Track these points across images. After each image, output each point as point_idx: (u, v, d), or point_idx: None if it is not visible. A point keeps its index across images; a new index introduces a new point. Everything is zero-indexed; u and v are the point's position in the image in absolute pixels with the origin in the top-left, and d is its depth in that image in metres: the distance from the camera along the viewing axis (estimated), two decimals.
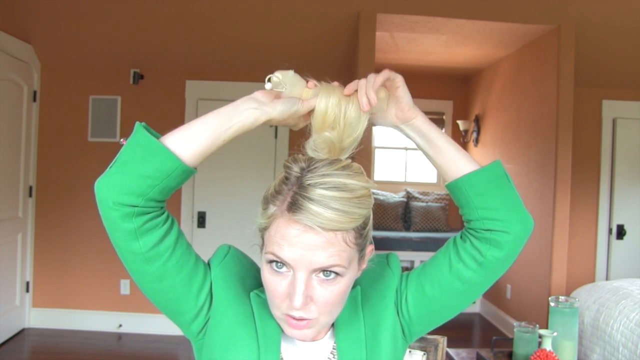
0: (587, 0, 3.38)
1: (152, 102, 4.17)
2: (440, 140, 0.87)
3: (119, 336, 4.00)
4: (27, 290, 4.07)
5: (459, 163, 0.86)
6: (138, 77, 4.10)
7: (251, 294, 0.90)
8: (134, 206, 0.75)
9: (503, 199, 0.84)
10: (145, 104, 4.17)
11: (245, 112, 0.80)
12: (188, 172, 0.78)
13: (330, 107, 0.82)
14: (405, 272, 0.95)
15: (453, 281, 0.86)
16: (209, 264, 0.91)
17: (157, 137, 0.78)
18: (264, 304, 0.87)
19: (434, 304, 0.89)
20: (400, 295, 0.91)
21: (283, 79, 0.82)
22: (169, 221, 0.81)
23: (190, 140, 0.78)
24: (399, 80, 0.85)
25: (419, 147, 0.89)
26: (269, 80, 0.82)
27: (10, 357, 3.56)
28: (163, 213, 0.80)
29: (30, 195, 4.07)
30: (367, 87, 0.82)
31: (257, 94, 0.82)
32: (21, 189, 3.94)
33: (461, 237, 0.88)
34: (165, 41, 3.89)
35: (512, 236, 0.83)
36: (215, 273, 0.89)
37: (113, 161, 0.78)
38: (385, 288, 0.92)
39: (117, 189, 0.75)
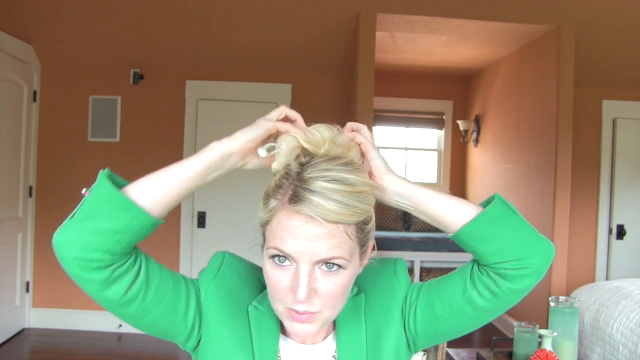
0: (587, 0, 3.38)
1: (152, 102, 4.17)
2: (425, 196, 0.83)
3: (119, 336, 4.00)
4: (27, 290, 4.07)
5: (453, 214, 0.82)
6: (138, 77, 4.10)
7: (249, 307, 0.88)
8: (101, 261, 0.73)
9: (511, 237, 0.79)
10: (145, 104, 4.17)
11: (208, 150, 0.79)
12: (156, 225, 0.77)
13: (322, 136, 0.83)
14: (418, 283, 0.92)
15: (464, 306, 0.84)
16: (198, 279, 0.89)
17: (121, 185, 0.75)
18: (263, 316, 0.86)
19: (442, 324, 0.87)
20: (409, 308, 0.89)
21: (279, 143, 0.82)
22: (138, 259, 0.79)
23: (157, 189, 0.75)
24: (366, 144, 0.86)
25: (408, 211, 0.86)
26: (266, 148, 0.81)
27: (10, 357, 3.56)
28: (131, 256, 0.77)
29: (30, 195, 4.07)
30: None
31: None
32: (21, 189, 3.94)
33: (478, 268, 0.84)
34: (165, 41, 3.89)
35: (531, 270, 0.79)
36: (208, 291, 0.86)
37: (73, 212, 0.74)
38: (390, 299, 0.90)
39: (80, 245, 0.72)
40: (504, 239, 0.79)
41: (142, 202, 0.74)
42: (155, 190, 0.75)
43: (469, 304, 0.83)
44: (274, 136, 0.83)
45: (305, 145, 0.81)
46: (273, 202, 0.79)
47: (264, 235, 0.82)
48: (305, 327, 0.79)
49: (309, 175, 0.76)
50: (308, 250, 0.75)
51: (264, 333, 0.85)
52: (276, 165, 0.81)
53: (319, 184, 0.75)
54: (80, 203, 0.74)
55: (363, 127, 0.87)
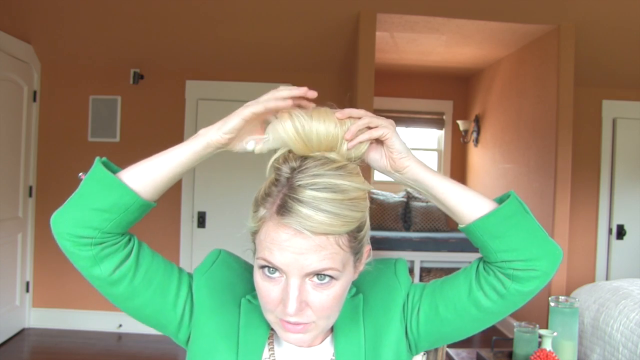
0: (587, 0, 3.39)
1: (152, 102, 4.17)
2: (442, 185, 0.80)
3: (119, 336, 4.00)
4: (27, 290, 4.07)
5: (468, 206, 0.79)
6: (138, 77, 4.10)
7: (242, 300, 0.88)
8: (91, 237, 0.76)
9: (523, 237, 0.78)
10: (145, 104, 4.17)
11: (194, 139, 0.78)
12: (146, 206, 0.78)
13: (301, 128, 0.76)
14: (420, 284, 0.90)
15: (469, 307, 0.82)
16: (193, 273, 0.89)
17: (117, 172, 0.78)
18: (255, 310, 0.85)
19: (446, 325, 0.84)
20: (411, 309, 0.87)
21: (267, 132, 0.79)
22: (131, 242, 0.81)
23: (146, 174, 0.78)
24: (388, 133, 0.78)
25: (422, 194, 0.83)
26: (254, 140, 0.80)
27: (10, 357, 3.56)
28: (124, 238, 0.80)
29: (30, 195, 4.07)
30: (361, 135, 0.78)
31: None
32: (21, 189, 3.94)
33: (484, 267, 0.82)
34: (165, 41, 3.89)
35: (538, 272, 0.78)
36: (199, 283, 0.87)
37: (70, 196, 0.79)
38: (390, 300, 0.87)
39: (72, 222, 0.76)
40: (516, 238, 0.77)
41: (131, 184, 0.76)
42: (144, 175, 0.78)
43: (475, 305, 0.81)
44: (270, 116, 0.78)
45: (292, 145, 0.77)
46: (262, 211, 0.77)
47: (254, 242, 0.81)
48: (299, 337, 0.78)
49: (299, 183, 0.73)
50: (297, 263, 0.73)
51: (252, 326, 0.85)
52: (259, 150, 0.80)
53: (308, 193, 0.72)
54: (78, 186, 0.79)
55: (370, 121, 0.79)
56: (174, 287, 0.84)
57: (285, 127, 0.76)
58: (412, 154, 0.81)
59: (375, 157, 0.82)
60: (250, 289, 0.88)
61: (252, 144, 0.79)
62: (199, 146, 0.78)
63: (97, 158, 0.79)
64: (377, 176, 5.87)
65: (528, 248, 0.78)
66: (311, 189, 0.72)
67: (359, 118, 0.78)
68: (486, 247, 0.79)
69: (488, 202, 0.80)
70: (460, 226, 0.82)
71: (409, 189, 5.60)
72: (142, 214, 0.79)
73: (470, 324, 0.84)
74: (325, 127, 0.76)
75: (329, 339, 0.87)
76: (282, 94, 0.76)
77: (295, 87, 0.78)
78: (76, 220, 0.76)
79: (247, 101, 0.77)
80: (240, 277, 0.90)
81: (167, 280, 0.84)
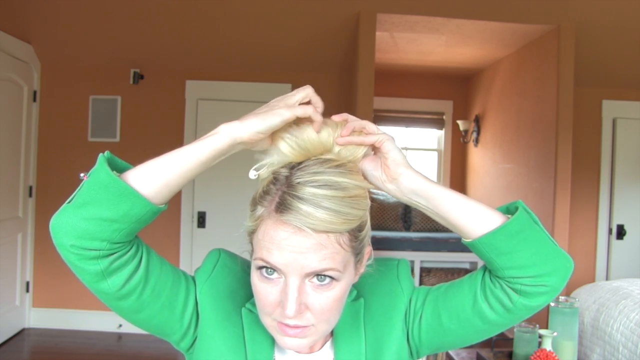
0: (587, 0, 3.39)
1: (152, 102, 4.17)
2: (443, 196, 0.75)
3: (119, 336, 4.00)
4: (27, 290, 4.07)
5: (472, 220, 0.74)
6: (138, 77, 4.10)
7: (243, 310, 0.84)
8: (99, 250, 0.68)
9: (532, 253, 0.73)
10: (145, 104, 4.17)
11: (216, 135, 0.73)
12: (158, 212, 0.72)
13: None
14: (423, 288, 0.87)
15: (474, 319, 0.79)
16: (194, 277, 0.85)
17: (122, 169, 0.71)
18: (256, 321, 0.81)
19: (449, 335, 0.82)
20: (413, 315, 0.84)
21: (271, 154, 0.77)
22: (139, 250, 0.75)
23: (159, 176, 0.70)
24: (383, 140, 0.78)
25: (423, 210, 0.78)
26: (255, 169, 0.77)
27: (10, 357, 3.56)
28: (132, 246, 0.73)
29: (30, 195, 4.07)
30: (355, 139, 0.78)
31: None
32: (21, 189, 3.94)
33: (490, 278, 0.78)
34: (165, 41, 3.89)
35: (548, 288, 0.74)
36: (202, 291, 0.82)
37: (71, 197, 0.69)
38: (392, 308, 0.84)
39: (77, 232, 0.67)
40: (524, 254, 0.73)
41: (142, 190, 0.69)
42: (156, 177, 0.70)
43: (479, 317, 0.78)
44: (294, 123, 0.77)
45: (302, 154, 0.76)
46: (260, 210, 0.74)
47: (251, 243, 0.78)
48: (297, 342, 0.75)
49: (298, 180, 0.71)
50: (297, 262, 0.70)
51: (258, 337, 0.82)
52: (263, 176, 0.77)
53: (308, 190, 0.70)
54: (79, 187, 0.70)
55: (367, 124, 0.80)
56: (181, 298, 0.80)
57: (284, 145, 0.76)
58: (410, 164, 0.78)
59: (370, 167, 0.80)
60: (251, 295, 0.83)
61: (253, 173, 0.77)
62: (221, 143, 0.72)
63: (101, 156, 0.69)
64: None
65: (538, 264, 0.73)
66: (311, 186, 0.70)
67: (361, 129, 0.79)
68: (493, 263, 0.75)
69: (494, 214, 0.75)
70: (464, 240, 0.77)
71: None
72: (152, 219, 0.72)
73: (473, 334, 0.81)
74: (319, 134, 0.76)
75: (328, 344, 0.85)
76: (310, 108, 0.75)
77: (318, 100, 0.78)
78: (81, 231, 0.67)
79: (247, 101, 0.77)
80: (241, 282, 0.86)
81: (175, 292, 0.79)
